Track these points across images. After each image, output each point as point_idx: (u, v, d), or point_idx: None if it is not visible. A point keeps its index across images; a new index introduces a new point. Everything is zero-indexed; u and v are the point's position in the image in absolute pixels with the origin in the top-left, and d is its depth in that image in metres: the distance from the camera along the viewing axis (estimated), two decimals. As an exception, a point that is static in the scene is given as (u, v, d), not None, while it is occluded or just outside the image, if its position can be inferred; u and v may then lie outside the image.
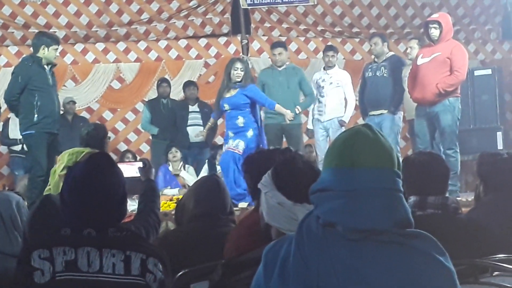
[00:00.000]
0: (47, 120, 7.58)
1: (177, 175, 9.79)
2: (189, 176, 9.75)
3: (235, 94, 8.02)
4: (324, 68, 9.51)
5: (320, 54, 10.53)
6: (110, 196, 2.72)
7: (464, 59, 8.04)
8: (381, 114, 8.81)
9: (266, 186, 2.52)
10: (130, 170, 5.80)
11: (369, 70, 9.06)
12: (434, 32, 8.02)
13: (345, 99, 9.41)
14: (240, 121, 8.01)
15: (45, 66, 7.66)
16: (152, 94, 11.11)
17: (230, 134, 8.08)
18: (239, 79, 8.01)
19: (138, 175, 4.65)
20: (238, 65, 8.07)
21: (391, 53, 9.11)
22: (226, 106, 8.05)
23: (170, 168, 9.88)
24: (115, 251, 2.61)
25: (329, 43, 11.20)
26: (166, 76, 11.40)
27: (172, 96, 11.00)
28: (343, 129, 9.25)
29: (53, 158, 7.66)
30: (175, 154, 9.92)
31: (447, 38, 8.07)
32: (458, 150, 8.01)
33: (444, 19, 8.15)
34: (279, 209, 2.45)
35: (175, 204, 7.08)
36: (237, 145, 7.93)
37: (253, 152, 4.13)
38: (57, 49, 7.82)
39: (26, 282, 2.57)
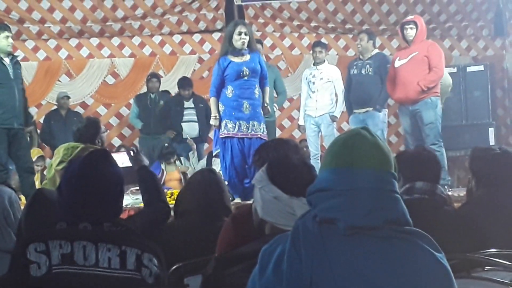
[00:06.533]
0: (6, 115, 7.33)
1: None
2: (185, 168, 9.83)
3: (250, 59, 7.14)
4: (314, 64, 9.48)
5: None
6: (106, 191, 2.74)
7: (441, 56, 8.26)
8: (366, 111, 8.79)
9: (261, 181, 2.53)
10: (120, 159, 5.76)
11: (354, 67, 8.99)
12: (410, 32, 8.23)
13: (336, 94, 9.37)
14: (257, 92, 7.18)
15: (5, 59, 7.40)
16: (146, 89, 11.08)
17: (245, 105, 7.07)
18: (244, 46, 7.09)
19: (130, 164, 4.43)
20: (242, 28, 7.12)
21: (376, 50, 9.07)
22: (246, 71, 7.06)
23: (163, 166, 9.88)
24: (111, 245, 2.62)
25: (322, 39, 11.24)
26: (160, 72, 11.42)
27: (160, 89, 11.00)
28: (335, 124, 9.28)
29: (19, 153, 7.54)
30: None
31: (422, 38, 8.27)
32: (442, 145, 8.11)
33: (419, 20, 8.41)
34: (275, 204, 2.46)
35: (169, 197, 7.14)
36: (264, 130, 7.20)
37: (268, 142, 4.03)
38: (8, 36, 7.41)
39: (22, 276, 2.56)
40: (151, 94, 10.57)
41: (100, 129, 6.80)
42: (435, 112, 8.13)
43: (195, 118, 10.19)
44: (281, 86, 9.58)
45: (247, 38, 7.07)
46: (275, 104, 8.93)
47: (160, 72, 11.49)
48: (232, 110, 7.09)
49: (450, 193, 7.68)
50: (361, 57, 8.98)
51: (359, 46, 8.95)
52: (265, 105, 7.36)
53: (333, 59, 11.86)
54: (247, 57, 7.13)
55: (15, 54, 7.82)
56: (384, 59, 8.90)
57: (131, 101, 11.23)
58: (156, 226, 3.78)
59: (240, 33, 7.05)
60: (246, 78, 7.09)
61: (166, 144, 10.09)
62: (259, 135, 7.13)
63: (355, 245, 1.89)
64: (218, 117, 7.14)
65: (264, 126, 7.24)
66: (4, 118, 7.35)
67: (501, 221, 3.66)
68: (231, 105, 7.10)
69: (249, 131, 7.11)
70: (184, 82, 10.53)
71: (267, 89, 7.48)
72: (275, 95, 9.39)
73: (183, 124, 10.26)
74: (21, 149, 7.58)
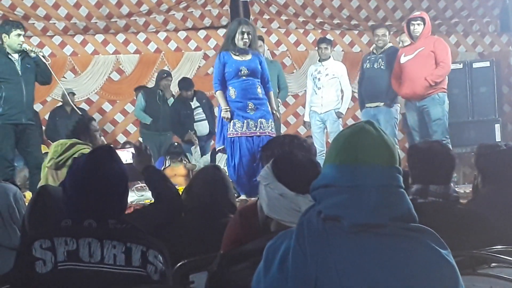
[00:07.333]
0: (12, 111, 7.36)
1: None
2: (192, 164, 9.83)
3: (252, 58, 7.12)
4: (319, 60, 9.46)
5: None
6: (110, 189, 2.73)
7: (447, 51, 8.27)
8: (377, 106, 8.80)
9: (267, 178, 2.53)
10: (125, 156, 5.72)
11: (367, 61, 9.03)
12: (418, 28, 8.26)
13: (342, 90, 9.36)
14: (260, 91, 7.12)
15: (13, 56, 7.44)
16: (152, 85, 11.01)
17: (251, 105, 7.05)
18: (246, 46, 7.07)
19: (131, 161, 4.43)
20: (245, 28, 7.06)
21: (390, 44, 9.05)
22: (244, 70, 7.04)
23: (168, 162, 9.87)
24: (116, 242, 2.62)
25: (327, 35, 11.24)
26: (166, 68, 11.38)
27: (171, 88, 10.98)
28: (340, 120, 9.27)
29: (28, 149, 7.57)
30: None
31: (427, 34, 8.30)
32: (449, 141, 8.09)
33: (426, 16, 8.44)
34: (281, 201, 2.46)
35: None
36: (272, 128, 7.14)
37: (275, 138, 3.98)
38: (20, 34, 7.46)
39: (28, 273, 2.56)
40: (160, 91, 10.48)
41: (89, 126, 6.72)
42: (443, 108, 8.15)
43: (204, 116, 10.12)
44: (283, 81, 9.61)
45: (250, 37, 7.04)
46: (278, 99, 8.91)
47: (165, 69, 11.48)
48: (238, 110, 7.05)
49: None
50: (374, 51, 9.02)
51: (380, 41, 8.90)
52: (274, 112, 7.32)
53: (339, 55, 11.85)
54: (248, 57, 7.10)
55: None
56: (396, 53, 8.80)
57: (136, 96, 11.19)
58: (168, 222, 3.78)
59: (243, 33, 7.01)
60: (244, 77, 7.06)
61: (176, 143, 10.06)
62: (267, 133, 7.06)
63: (359, 243, 1.88)
64: (229, 109, 7.06)
65: (273, 124, 7.19)
66: (10, 113, 7.38)
67: (507, 217, 3.65)
68: (236, 106, 7.06)
69: (258, 129, 7.05)
70: (186, 84, 10.29)
71: (272, 94, 7.43)
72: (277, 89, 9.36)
73: (195, 125, 10.18)
74: (30, 145, 7.60)
